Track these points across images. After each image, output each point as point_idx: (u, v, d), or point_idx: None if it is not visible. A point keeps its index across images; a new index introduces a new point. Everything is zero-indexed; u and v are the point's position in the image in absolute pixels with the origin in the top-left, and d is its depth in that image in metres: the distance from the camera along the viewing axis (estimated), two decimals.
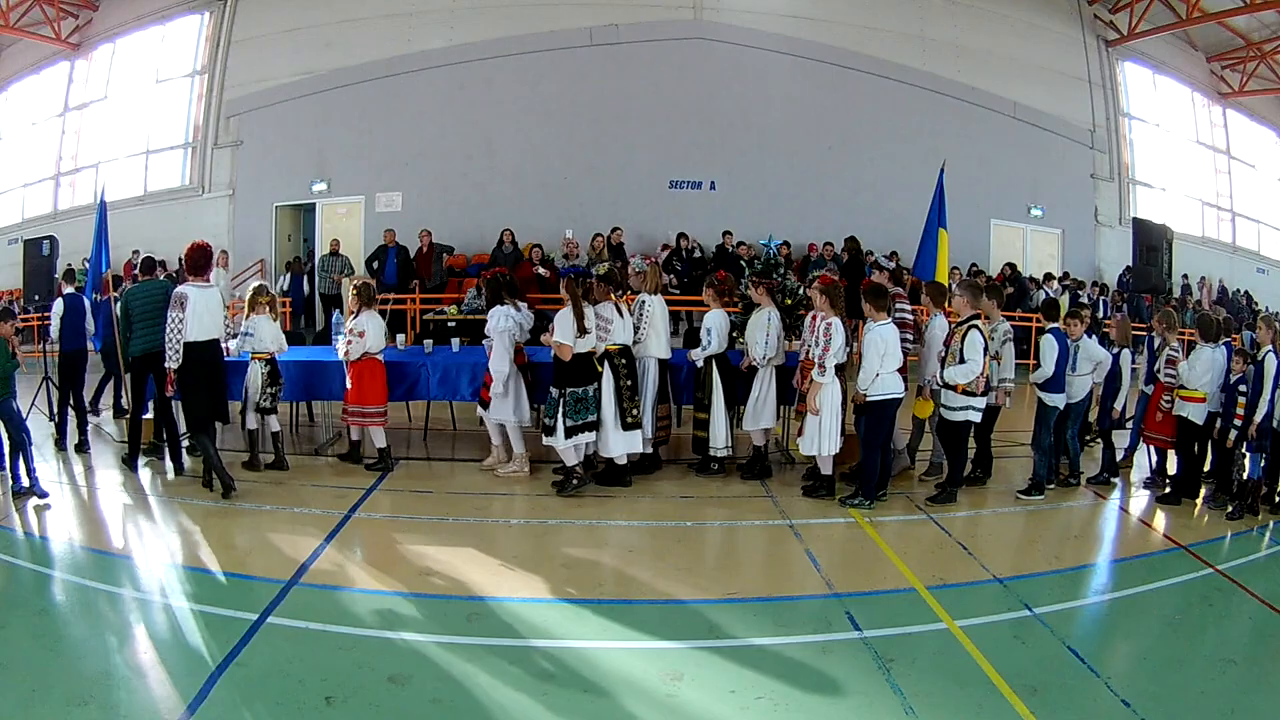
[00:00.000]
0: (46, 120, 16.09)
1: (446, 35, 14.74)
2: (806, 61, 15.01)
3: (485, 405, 6.62)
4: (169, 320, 5.84)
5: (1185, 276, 16.46)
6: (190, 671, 3.64)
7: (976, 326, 6.06)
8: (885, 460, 6.25)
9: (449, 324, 10.11)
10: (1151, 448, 7.07)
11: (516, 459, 6.67)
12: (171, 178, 15.62)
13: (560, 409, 6.04)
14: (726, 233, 13.77)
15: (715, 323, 6.50)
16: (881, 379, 5.95)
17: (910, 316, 6.76)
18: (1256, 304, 16.71)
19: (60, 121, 15.98)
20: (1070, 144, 16.04)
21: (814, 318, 6.35)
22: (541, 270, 12.63)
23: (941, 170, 7.84)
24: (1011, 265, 14.85)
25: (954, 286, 6.67)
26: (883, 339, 5.93)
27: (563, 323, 5.99)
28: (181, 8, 15.35)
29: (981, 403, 6.19)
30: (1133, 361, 7.04)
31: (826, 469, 6.27)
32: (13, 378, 6.05)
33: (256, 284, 7.17)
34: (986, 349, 6.07)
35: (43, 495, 5.88)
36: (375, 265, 13.27)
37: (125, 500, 6.19)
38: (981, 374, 6.03)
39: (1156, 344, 7.15)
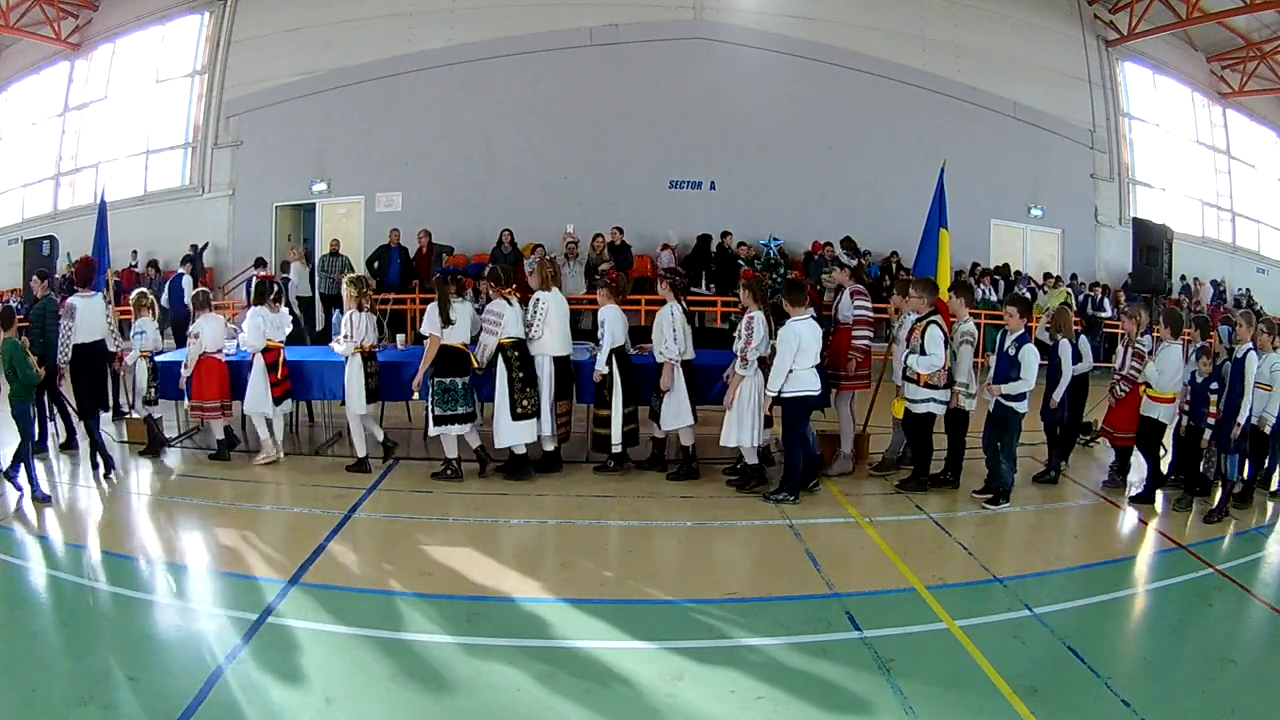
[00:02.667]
0: (46, 120, 16.07)
1: (446, 35, 14.74)
2: (806, 61, 14.99)
3: (277, 401, 6.95)
4: (61, 328, 6.70)
5: (1184, 277, 16.46)
6: (190, 671, 3.64)
7: (935, 321, 6.18)
8: (807, 453, 6.29)
9: None
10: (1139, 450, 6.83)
11: (265, 446, 6.92)
12: (171, 178, 15.61)
13: (430, 398, 6.29)
14: (726, 233, 13.75)
15: (609, 319, 6.49)
16: (796, 375, 5.97)
17: (870, 314, 6.71)
18: (1257, 304, 16.69)
19: (60, 121, 15.97)
20: (1070, 144, 16.02)
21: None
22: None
23: (941, 170, 7.83)
24: (975, 263, 14.69)
25: (911, 283, 6.65)
26: (795, 335, 5.94)
27: (430, 316, 6.34)
28: (181, 8, 15.35)
29: (945, 395, 6.27)
30: (1073, 357, 6.83)
31: (752, 459, 6.33)
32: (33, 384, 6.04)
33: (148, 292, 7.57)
34: (947, 343, 6.20)
35: (40, 497, 5.89)
36: (376, 265, 13.26)
37: (125, 501, 6.20)
38: (943, 367, 6.17)
39: (1124, 339, 7.02)
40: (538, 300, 6.43)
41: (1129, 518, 6.24)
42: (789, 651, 4.03)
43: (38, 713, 3.33)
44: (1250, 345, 6.07)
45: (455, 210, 14.39)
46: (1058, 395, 6.64)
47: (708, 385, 6.80)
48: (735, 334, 6.20)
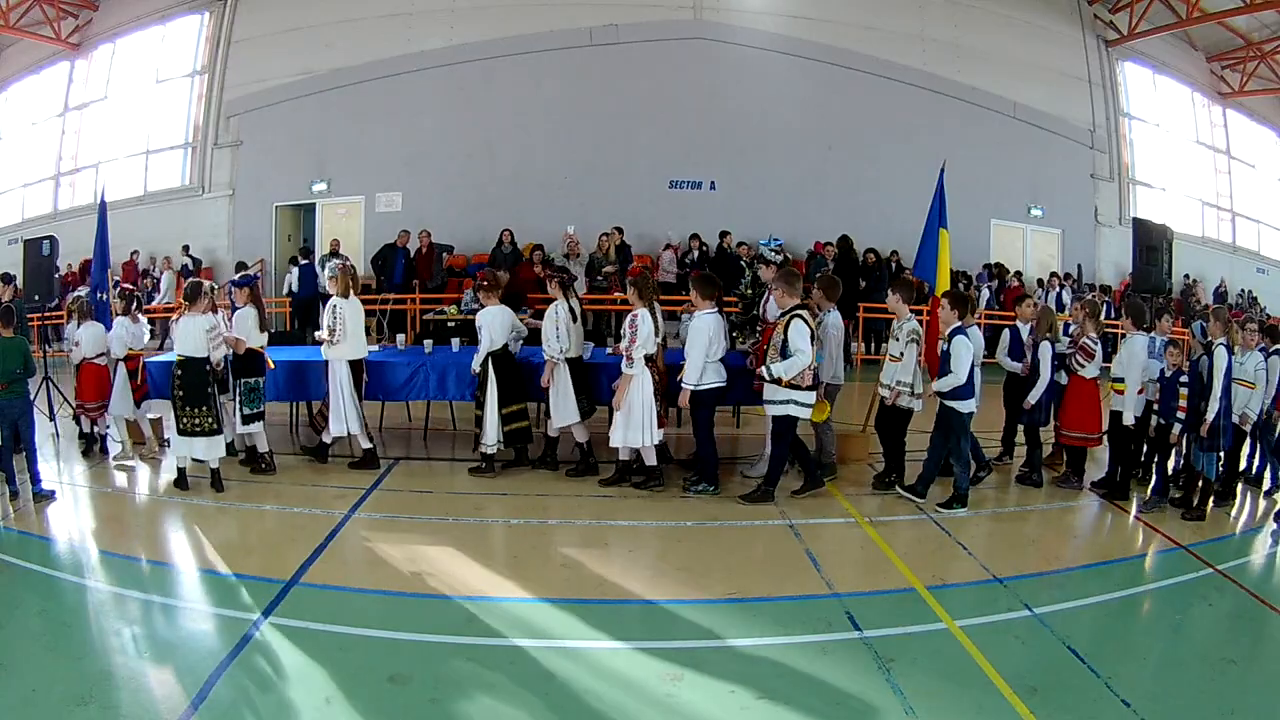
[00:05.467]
0: (46, 120, 16.09)
1: (446, 35, 14.76)
2: (806, 61, 15.01)
3: (138, 404, 7.10)
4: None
5: (1187, 276, 16.45)
6: (190, 671, 3.64)
7: (800, 315, 5.85)
8: (713, 446, 6.29)
9: (449, 324, 10.09)
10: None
11: (148, 441, 7.26)
12: (171, 178, 15.63)
13: (236, 397, 6.46)
14: (726, 233, 13.76)
15: (488, 321, 6.50)
16: (705, 368, 6.02)
17: None
18: (1259, 304, 16.71)
19: (60, 121, 15.99)
20: (1070, 144, 16.04)
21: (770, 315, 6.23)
22: (537, 270, 12.65)
23: (942, 170, 7.83)
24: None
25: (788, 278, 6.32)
26: (706, 327, 6.00)
27: (242, 322, 6.55)
28: (181, 8, 15.36)
29: (807, 397, 5.93)
30: (1053, 354, 6.69)
31: (651, 459, 6.33)
32: (24, 380, 6.03)
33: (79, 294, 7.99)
34: (814, 338, 5.88)
35: (43, 494, 5.92)
36: (380, 264, 13.26)
37: (125, 500, 6.20)
38: (809, 366, 5.84)
39: (1073, 330, 6.88)
40: (335, 306, 6.55)
41: (1129, 519, 6.23)
42: (789, 651, 4.03)
43: (38, 713, 3.34)
44: (1221, 340, 6.03)
45: (455, 210, 14.41)
46: (1033, 397, 6.56)
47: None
48: (621, 332, 6.17)
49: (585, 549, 5.36)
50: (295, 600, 4.42)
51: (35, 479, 5.93)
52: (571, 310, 6.50)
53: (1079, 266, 15.81)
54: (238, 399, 6.53)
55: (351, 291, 6.71)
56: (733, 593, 4.67)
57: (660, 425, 6.25)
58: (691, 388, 6.04)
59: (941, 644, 4.11)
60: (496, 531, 5.64)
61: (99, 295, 8.20)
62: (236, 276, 7.70)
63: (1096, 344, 6.59)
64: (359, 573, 4.93)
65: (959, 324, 6.03)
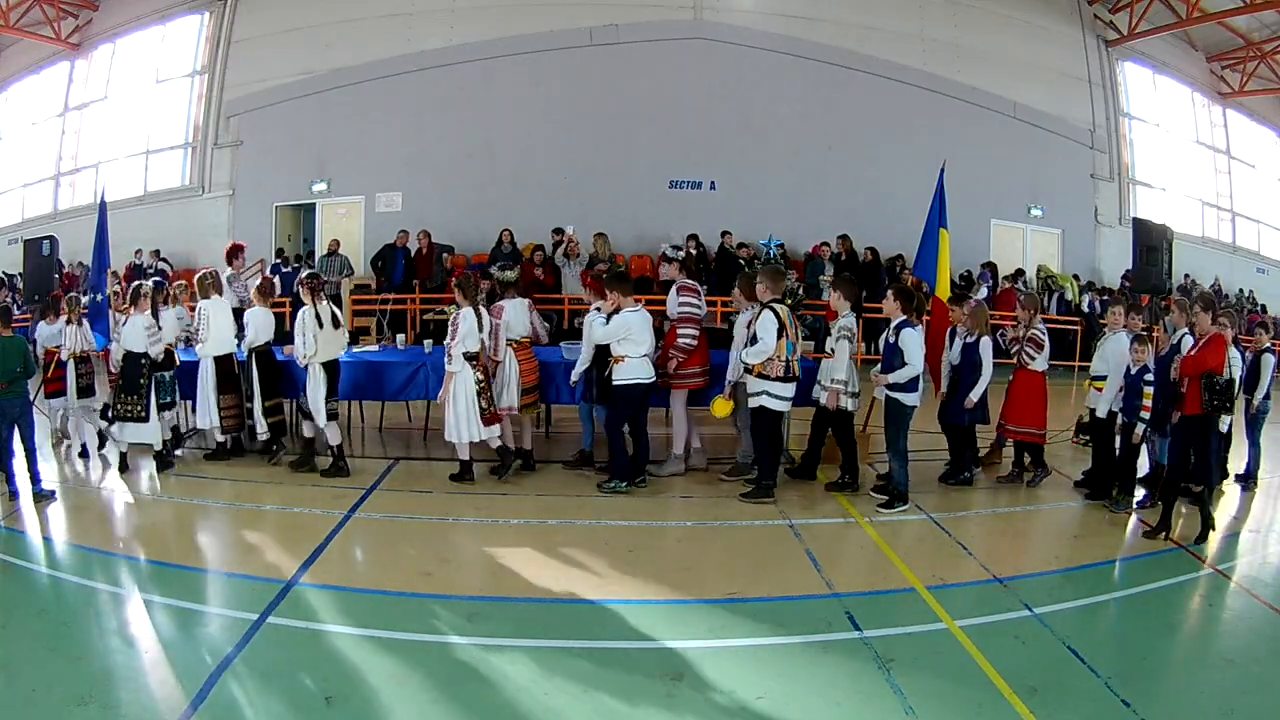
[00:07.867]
0: (46, 120, 16.08)
1: (446, 35, 14.75)
2: (806, 61, 15.00)
3: (50, 396, 7.34)
4: None
5: (1186, 276, 16.44)
6: (190, 671, 3.64)
7: (770, 307, 6.01)
8: (622, 442, 6.33)
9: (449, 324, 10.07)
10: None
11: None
12: (171, 178, 15.62)
13: (152, 392, 6.76)
14: (726, 233, 13.76)
15: (254, 320, 6.89)
16: (628, 364, 6.12)
17: (699, 311, 6.61)
18: (1258, 304, 16.71)
19: (60, 121, 15.98)
20: (1070, 144, 16.02)
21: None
22: (538, 272, 12.66)
23: (942, 170, 7.83)
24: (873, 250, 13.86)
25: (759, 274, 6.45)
26: (625, 325, 6.10)
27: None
28: (181, 8, 15.36)
29: (782, 389, 6.03)
30: (995, 352, 6.66)
31: (465, 455, 6.47)
32: (24, 380, 6.03)
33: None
34: (783, 331, 5.95)
35: (43, 493, 5.93)
36: (380, 264, 13.26)
37: (125, 500, 6.20)
38: (777, 357, 5.93)
39: (1021, 332, 6.77)
40: (201, 309, 6.90)
41: (1129, 518, 6.23)
42: (789, 651, 4.03)
43: (38, 713, 3.34)
44: (1185, 330, 6.04)
45: (455, 210, 14.39)
46: (975, 394, 6.50)
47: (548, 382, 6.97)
48: (450, 328, 6.33)
49: (586, 549, 5.35)
50: (295, 600, 4.42)
51: (35, 479, 5.93)
52: (319, 316, 6.60)
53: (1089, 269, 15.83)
54: (152, 390, 6.79)
55: (214, 294, 7.05)
56: (733, 593, 4.67)
57: (489, 423, 6.37)
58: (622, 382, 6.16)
59: (941, 644, 4.11)
60: (496, 532, 5.63)
61: (96, 296, 8.20)
62: (151, 281, 7.83)
63: (1045, 335, 6.61)
64: (359, 573, 4.94)
65: (904, 318, 6.03)
